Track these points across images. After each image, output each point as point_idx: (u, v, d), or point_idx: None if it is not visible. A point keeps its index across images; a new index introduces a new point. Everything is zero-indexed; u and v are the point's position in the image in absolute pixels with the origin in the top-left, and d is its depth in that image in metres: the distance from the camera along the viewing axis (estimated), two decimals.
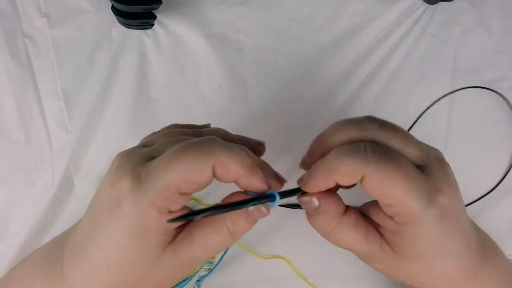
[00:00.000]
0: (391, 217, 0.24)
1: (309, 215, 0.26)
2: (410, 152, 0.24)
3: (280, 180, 0.27)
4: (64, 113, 0.44)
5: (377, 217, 0.26)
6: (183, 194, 0.23)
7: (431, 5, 0.45)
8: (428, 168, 0.24)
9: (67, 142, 0.44)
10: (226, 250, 0.43)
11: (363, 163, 0.22)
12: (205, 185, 0.23)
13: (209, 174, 0.22)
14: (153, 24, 0.44)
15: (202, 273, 0.42)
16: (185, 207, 0.25)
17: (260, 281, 0.44)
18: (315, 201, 0.25)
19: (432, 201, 0.23)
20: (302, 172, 0.44)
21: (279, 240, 0.44)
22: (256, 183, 0.24)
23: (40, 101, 0.44)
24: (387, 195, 0.23)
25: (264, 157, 0.45)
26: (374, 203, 0.26)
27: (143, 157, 0.24)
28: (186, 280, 0.39)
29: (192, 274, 0.39)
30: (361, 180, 0.23)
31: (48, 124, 0.44)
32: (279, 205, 0.28)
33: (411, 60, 0.45)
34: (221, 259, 0.43)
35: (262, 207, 0.24)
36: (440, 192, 0.23)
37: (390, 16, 0.45)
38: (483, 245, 0.29)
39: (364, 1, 0.45)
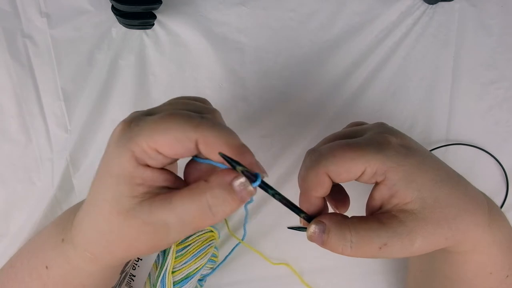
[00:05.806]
0: (378, 183, 0.26)
1: (325, 241, 0.26)
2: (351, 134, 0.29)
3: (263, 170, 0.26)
4: (64, 113, 0.44)
5: (373, 200, 0.27)
6: (163, 155, 0.23)
7: (431, 5, 0.45)
8: (369, 131, 0.28)
9: (66, 142, 0.44)
10: (231, 250, 0.43)
11: (314, 165, 0.26)
12: (185, 155, 0.24)
13: (189, 147, 0.23)
14: (153, 24, 0.44)
15: (204, 271, 0.42)
16: (168, 171, 0.25)
17: (263, 281, 0.44)
18: (319, 224, 0.26)
19: (385, 146, 0.26)
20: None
21: (282, 238, 0.44)
22: (246, 162, 0.23)
23: (40, 101, 0.44)
24: (351, 171, 0.26)
25: (264, 157, 0.45)
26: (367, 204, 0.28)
27: (142, 113, 0.25)
28: (188, 278, 0.38)
29: (194, 272, 0.39)
30: (330, 178, 0.26)
31: (48, 124, 0.44)
32: (288, 227, 0.29)
33: (411, 60, 0.45)
34: (225, 259, 0.43)
35: (249, 185, 0.23)
36: (388, 136, 0.27)
37: (390, 16, 0.45)
38: (488, 201, 0.29)
39: (364, 1, 0.45)
